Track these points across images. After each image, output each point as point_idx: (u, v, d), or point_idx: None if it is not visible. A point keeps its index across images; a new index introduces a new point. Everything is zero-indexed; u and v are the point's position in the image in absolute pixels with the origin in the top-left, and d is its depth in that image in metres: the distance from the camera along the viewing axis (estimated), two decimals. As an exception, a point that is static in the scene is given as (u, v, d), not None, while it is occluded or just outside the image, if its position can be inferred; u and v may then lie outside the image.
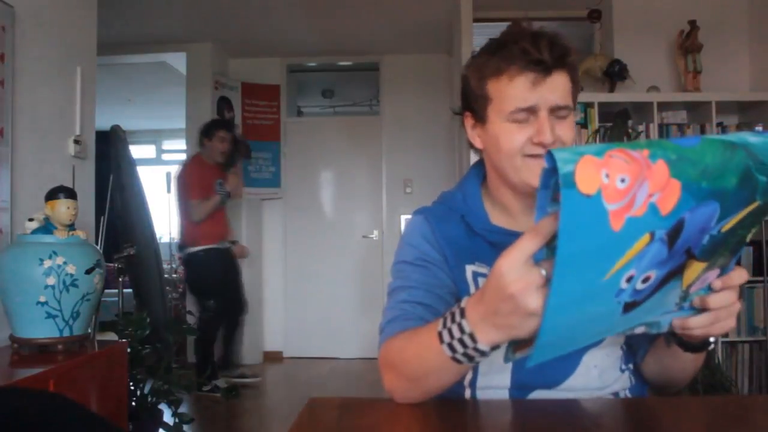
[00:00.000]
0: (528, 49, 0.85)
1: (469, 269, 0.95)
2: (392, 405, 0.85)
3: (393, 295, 0.94)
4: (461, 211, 0.98)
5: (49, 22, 2.29)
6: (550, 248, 0.57)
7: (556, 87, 0.87)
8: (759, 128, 2.81)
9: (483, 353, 0.67)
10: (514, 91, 0.87)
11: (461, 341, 0.68)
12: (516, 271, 0.58)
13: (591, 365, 0.91)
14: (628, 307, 0.60)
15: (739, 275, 0.68)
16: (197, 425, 3.00)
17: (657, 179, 0.52)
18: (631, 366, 0.96)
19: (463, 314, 0.68)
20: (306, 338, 4.93)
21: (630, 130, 2.98)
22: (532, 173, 0.88)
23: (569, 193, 0.49)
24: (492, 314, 0.63)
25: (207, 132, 3.87)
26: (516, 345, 0.59)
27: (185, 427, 2.36)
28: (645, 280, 0.58)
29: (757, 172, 0.57)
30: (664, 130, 3.28)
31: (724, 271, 0.68)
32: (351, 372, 4.47)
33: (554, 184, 0.53)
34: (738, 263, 0.68)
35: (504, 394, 0.92)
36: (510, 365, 0.91)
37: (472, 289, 0.94)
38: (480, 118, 0.95)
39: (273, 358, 4.88)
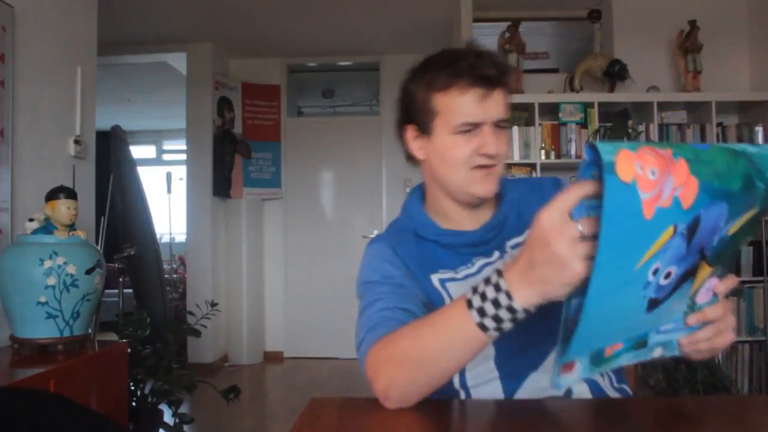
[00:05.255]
0: (476, 65, 0.91)
1: (435, 278, 0.99)
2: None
3: (366, 311, 0.92)
4: (413, 228, 1.04)
5: (49, 22, 2.29)
6: (589, 216, 0.61)
7: (500, 101, 0.93)
8: (758, 128, 2.81)
9: (515, 314, 0.68)
10: (462, 105, 0.92)
11: (495, 301, 0.69)
12: (554, 219, 0.62)
13: None
14: (652, 304, 0.64)
15: (731, 281, 0.73)
16: (197, 425, 3.00)
17: (680, 175, 0.58)
18: None
19: (500, 275, 0.69)
20: (306, 338, 4.93)
21: (630, 130, 2.98)
22: (478, 184, 0.96)
23: (611, 179, 0.54)
24: (528, 268, 0.65)
25: None
26: (562, 366, 0.63)
27: (185, 427, 2.36)
28: (667, 276, 0.63)
29: (757, 179, 0.64)
30: (664, 130, 3.28)
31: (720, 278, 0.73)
32: (351, 372, 4.46)
33: (590, 176, 0.59)
34: (737, 266, 0.72)
35: (497, 386, 0.93)
36: (491, 352, 0.93)
37: (444, 295, 0.97)
38: (424, 130, 0.99)
39: (273, 358, 4.88)
